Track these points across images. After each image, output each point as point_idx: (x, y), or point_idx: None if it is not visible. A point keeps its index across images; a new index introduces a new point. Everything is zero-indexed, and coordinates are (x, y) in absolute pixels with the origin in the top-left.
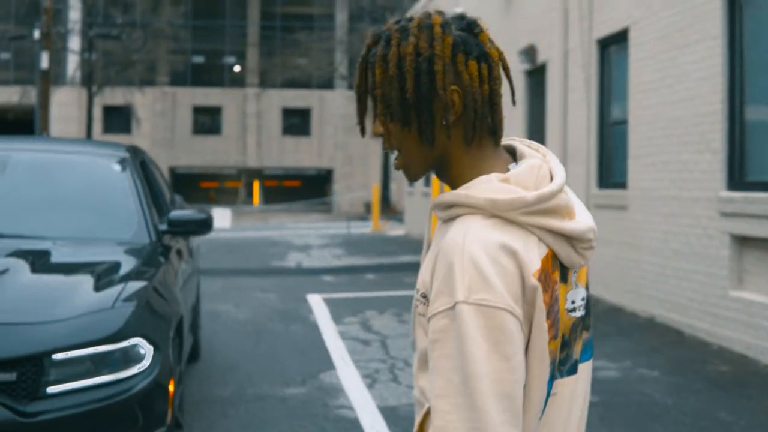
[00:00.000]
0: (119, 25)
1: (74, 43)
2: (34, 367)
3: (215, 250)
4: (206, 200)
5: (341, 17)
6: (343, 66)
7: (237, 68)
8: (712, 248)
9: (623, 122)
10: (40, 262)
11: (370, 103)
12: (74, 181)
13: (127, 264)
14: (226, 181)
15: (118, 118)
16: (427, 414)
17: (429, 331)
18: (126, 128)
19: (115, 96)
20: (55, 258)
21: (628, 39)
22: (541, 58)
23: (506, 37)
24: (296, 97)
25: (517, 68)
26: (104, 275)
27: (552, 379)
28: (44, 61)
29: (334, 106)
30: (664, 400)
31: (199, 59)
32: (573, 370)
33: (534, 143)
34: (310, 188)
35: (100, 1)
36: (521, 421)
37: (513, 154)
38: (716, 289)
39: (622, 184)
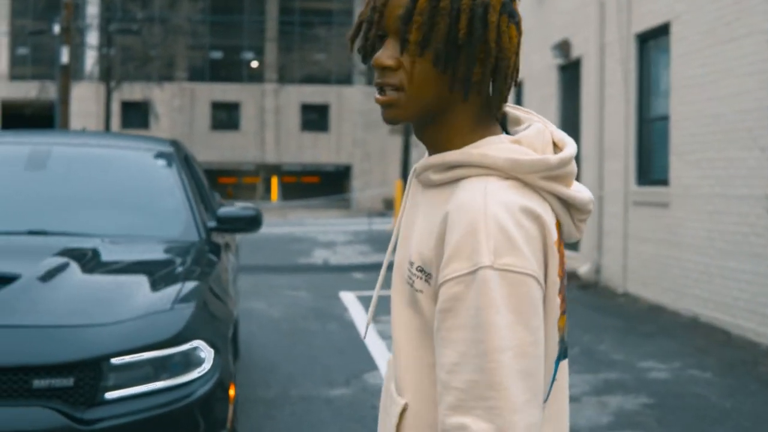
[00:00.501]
0: (138, 20)
1: (92, 38)
2: (92, 372)
3: (239, 247)
4: (224, 196)
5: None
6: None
7: (255, 64)
8: (760, 247)
9: (664, 118)
10: (90, 261)
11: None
12: (119, 177)
13: (180, 263)
14: (244, 177)
15: (136, 114)
16: (404, 412)
17: (439, 300)
18: (144, 124)
19: (134, 91)
20: (105, 257)
21: (669, 33)
22: (575, 52)
23: (538, 31)
24: (315, 93)
25: (550, 63)
26: (158, 275)
27: (558, 359)
28: (64, 56)
29: (353, 102)
30: (722, 402)
31: (217, 55)
32: (565, 354)
33: (523, 107)
34: (328, 184)
35: None
36: (542, 402)
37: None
38: (764, 288)
39: (662, 181)
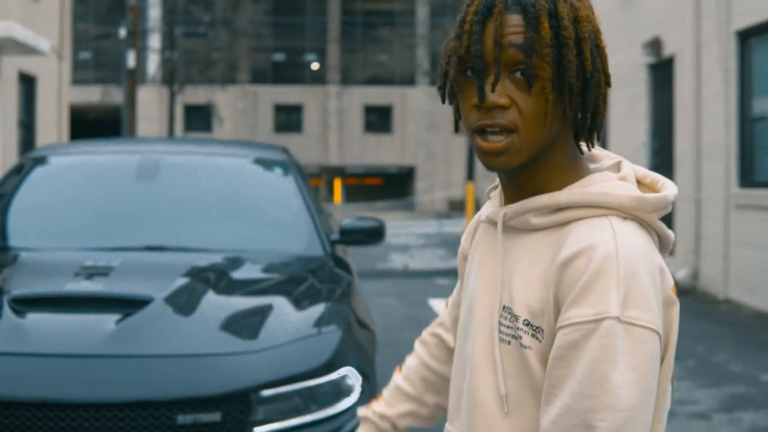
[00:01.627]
0: (201, 23)
1: (154, 41)
2: (240, 406)
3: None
4: None
5: (423, 13)
6: (425, 62)
7: (315, 66)
8: None
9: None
10: (221, 280)
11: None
12: (233, 187)
13: (314, 281)
14: None
15: (199, 117)
16: None
17: (554, 346)
18: (207, 127)
19: (197, 95)
20: (234, 275)
21: None
22: (667, 50)
23: (626, 30)
24: (378, 94)
25: (640, 61)
26: (296, 295)
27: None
28: (131, 60)
29: (416, 102)
30: None
31: (279, 57)
32: None
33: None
34: (391, 186)
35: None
36: None
37: None
38: None
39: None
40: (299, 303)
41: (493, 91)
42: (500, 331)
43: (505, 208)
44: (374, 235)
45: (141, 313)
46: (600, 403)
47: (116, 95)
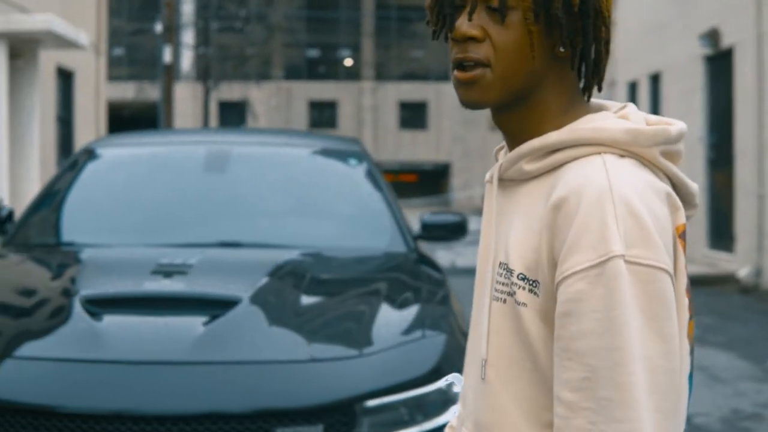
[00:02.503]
0: (235, 18)
1: (188, 37)
2: (343, 417)
3: None
4: None
5: None
6: None
7: (349, 62)
8: None
9: None
10: (308, 279)
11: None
12: (307, 178)
13: (407, 280)
14: None
15: (234, 114)
16: None
17: (557, 303)
18: (241, 123)
19: (232, 91)
20: (320, 273)
21: None
22: (726, 41)
23: (680, 20)
24: (412, 90)
25: (695, 53)
26: (392, 296)
27: (691, 375)
28: (167, 56)
29: (452, 98)
30: None
31: (314, 52)
32: (692, 366)
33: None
34: (426, 182)
35: None
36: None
37: None
38: None
39: None
40: (397, 304)
41: (470, 20)
42: (495, 289)
43: (501, 159)
44: (456, 230)
45: (229, 316)
46: (625, 355)
47: (150, 92)
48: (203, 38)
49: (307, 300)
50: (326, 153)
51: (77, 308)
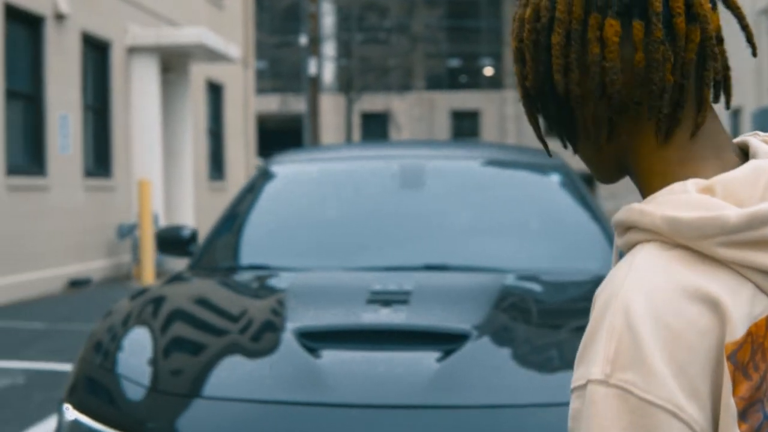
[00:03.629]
0: (377, 29)
1: (329, 49)
2: None
3: None
4: None
5: None
6: None
7: (489, 71)
8: None
9: None
10: (534, 308)
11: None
12: (510, 194)
13: None
14: None
15: (377, 125)
16: None
17: None
18: (384, 135)
19: (374, 102)
20: (546, 301)
21: None
22: None
23: None
24: None
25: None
26: None
27: None
28: (312, 68)
29: None
30: None
31: (455, 62)
32: None
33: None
34: None
35: (355, 7)
36: None
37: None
38: None
39: None
40: None
41: None
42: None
43: None
44: None
45: (462, 352)
46: None
47: (293, 104)
48: (345, 50)
49: (538, 334)
50: (525, 166)
51: (292, 342)
